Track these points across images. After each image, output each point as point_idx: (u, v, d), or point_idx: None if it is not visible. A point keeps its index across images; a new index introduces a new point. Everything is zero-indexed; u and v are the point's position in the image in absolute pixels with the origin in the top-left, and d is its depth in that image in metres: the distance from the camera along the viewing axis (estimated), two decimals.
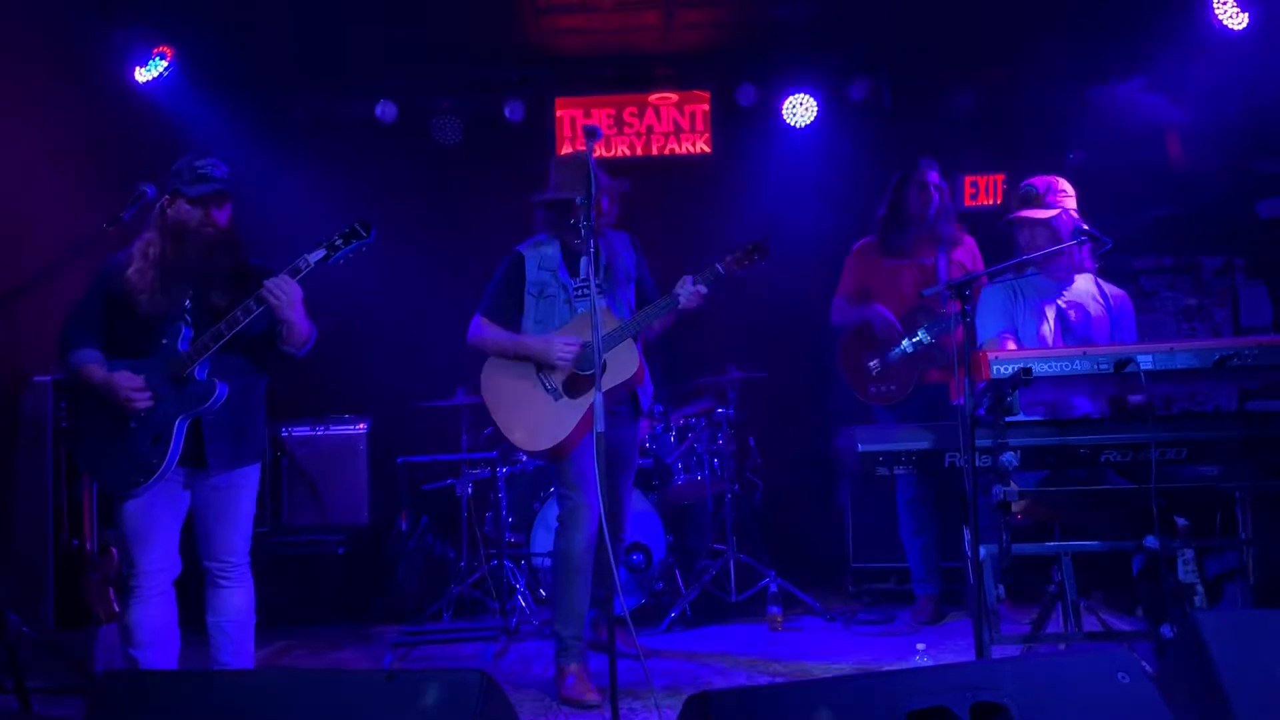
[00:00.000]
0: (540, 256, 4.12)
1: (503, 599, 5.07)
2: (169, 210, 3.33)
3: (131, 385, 3.20)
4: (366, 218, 3.33)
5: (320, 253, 3.30)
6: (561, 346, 3.92)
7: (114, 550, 4.38)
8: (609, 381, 3.85)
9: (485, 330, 4.07)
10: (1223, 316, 6.07)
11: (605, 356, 3.79)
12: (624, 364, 3.94)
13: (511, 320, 4.09)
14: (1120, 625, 4.15)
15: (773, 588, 4.97)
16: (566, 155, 4.09)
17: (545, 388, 3.98)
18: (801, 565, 5.51)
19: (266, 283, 3.22)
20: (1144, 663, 2.31)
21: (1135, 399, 3.70)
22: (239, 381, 3.38)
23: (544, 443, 3.93)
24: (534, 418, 3.95)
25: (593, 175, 3.35)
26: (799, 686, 1.95)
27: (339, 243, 3.32)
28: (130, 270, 3.28)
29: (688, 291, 3.91)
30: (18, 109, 4.53)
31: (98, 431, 3.28)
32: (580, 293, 4.06)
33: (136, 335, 3.30)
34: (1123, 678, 2.02)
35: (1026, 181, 3.90)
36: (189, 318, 3.32)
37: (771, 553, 5.36)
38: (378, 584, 5.55)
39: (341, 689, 1.88)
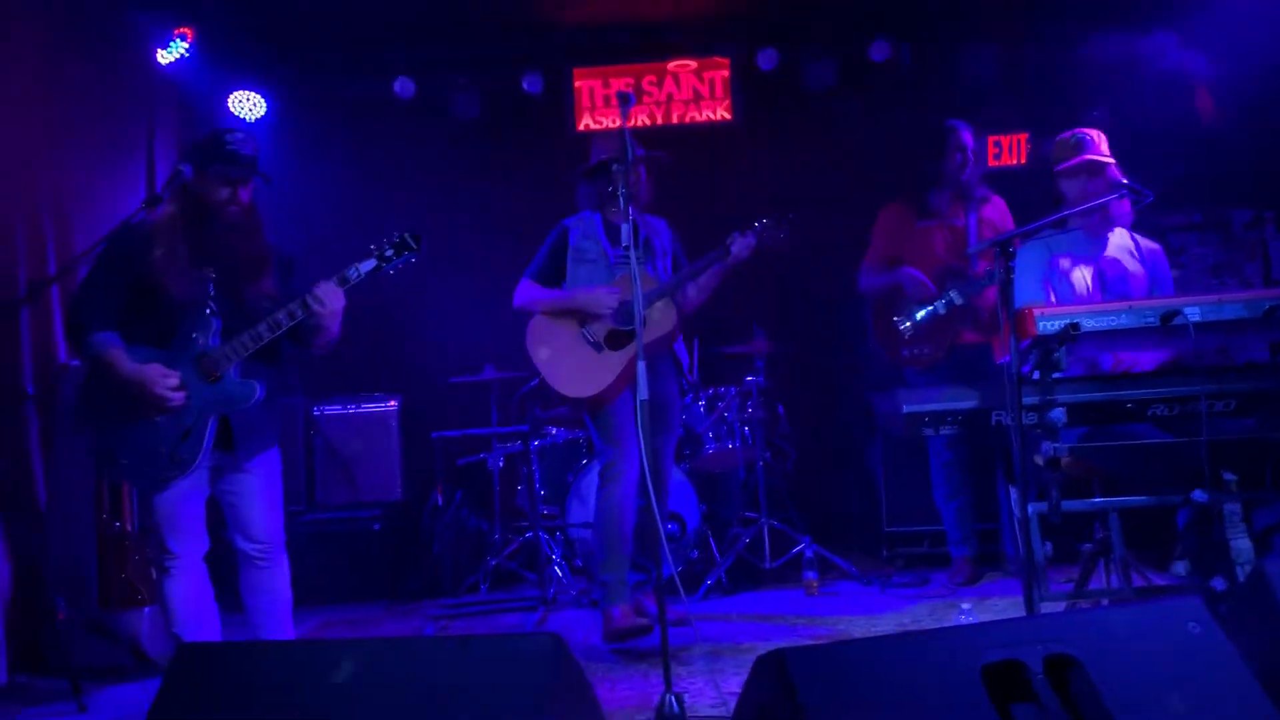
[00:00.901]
0: (584, 227, 4.33)
1: (540, 570, 5.09)
2: (194, 184, 3.20)
3: (168, 383, 3.09)
4: (427, 223, 3.37)
5: (371, 263, 3.27)
6: (606, 294, 4.14)
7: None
8: (648, 335, 3.92)
9: (532, 290, 4.30)
10: (1253, 270, 6.01)
11: (648, 311, 4.05)
12: (662, 319, 4.16)
13: (554, 285, 4.30)
14: (1158, 580, 4.14)
15: (808, 553, 4.98)
16: (605, 130, 4.32)
17: (588, 340, 4.17)
18: (834, 531, 5.52)
19: (317, 291, 3.16)
20: None
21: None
22: (263, 372, 3.30)
23: (586, 390, 4.11)
24: (577, 367, 4.15)
25: (628, 141, 3.35)
26: (870, 642, 1.95)
27: (389, 254, 3.29)
28: (158, 253, 3.13)
29: (740, 242, 4.10)
30: (42, 92, 4.51)
31: (116, 422, 3.14)
32: (621, 260, 4.23)
33: (159, 322, 3.18)
34: (1194, 627, 2.02)
35: (1073, 131, 3.85)
36: (213, 305, 3.21)
37: (804, 520, 5.37)
38: (413, 559, 5.58)
39: (417, 655, 1.89)
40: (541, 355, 4.22)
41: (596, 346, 4.17)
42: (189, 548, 3.29)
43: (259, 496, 3.36)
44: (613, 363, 4.13)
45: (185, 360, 3.17)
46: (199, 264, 3.18)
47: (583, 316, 4.20)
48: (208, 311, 3.21)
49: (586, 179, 4.37)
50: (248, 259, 3.25)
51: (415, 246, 3.31)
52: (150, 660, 4.05)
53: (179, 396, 3.11)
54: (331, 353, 3.59)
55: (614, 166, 3.59)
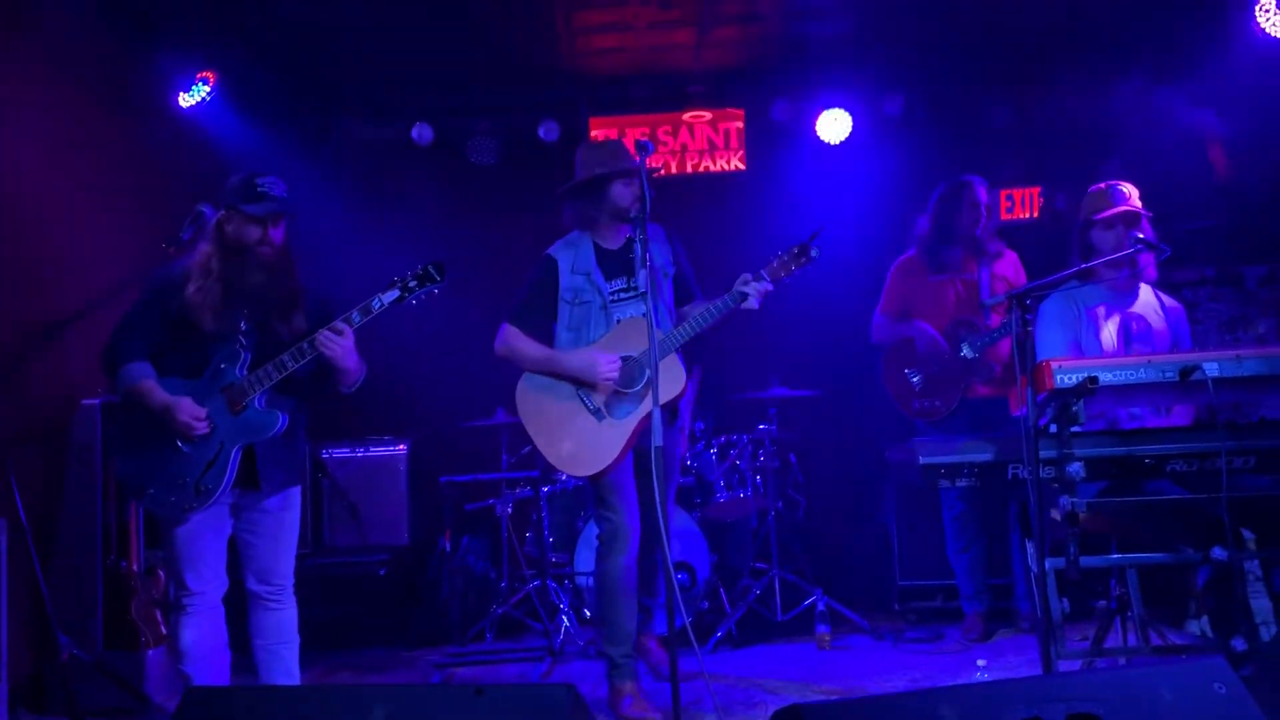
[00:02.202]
0: (573, 258, 3.89)
1: (546, 620, 5.03)
2: (227, 226, 3.27)
3: (195, 415, 3.16)
4: (440, 259, 3.30)
5: (394, 294, 3.27)
6: (606, 367, 3.71)
7: (160, 572, 4.38)
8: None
9: (515, 340, 3.86)
10: (1267, 326, 5.99)
11: (650, 373, 3.65)
12: (671, 379, 3.68)
13: (543, 328, 3.90)
14: (1175, 639, 4.07)
15: (820, 606, 4.92)
16: (595, 140, 3.97)
17: (587, 407, 3.78)
18: (846, 583, 5.45)
19: (320, 335, 3.19)
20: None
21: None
22: (288, 405, 3.35)
23: (590, 468, 3.75)
24: (577, 440, 3.77)
25: (645, 190, 3.32)
26: (888, 699, 1.91)
27: (413, 284, 3.28)
28: (191, 288, 3.20)
29: (756, 289, 3.67)
30: (63, 135, 4.57)
31: (145, 452, 3.22)
32: (616, 298, 3.86)
33: (191, 355, 3.25)
34: (1219, 688, 1.97)
35: (1109, 183, 3.86)
36: (244, 340, 3.27)
37: (815, 571, 5.32)
38: (419, 606, 5.52)
39: (431, 703, 1.85)
40: (536, 428, 3.82)
41: (597, 414, 3.77)
42: (209, 586, 3.30)
43: (276, 538, 3.39)
44: (618, 432, 3.72)
45: (213, 390, 3.23)
46: (232, 302, 3.24)
47: (575, 379, 3.80)
48: (238, 345, 3.27)
49: (573, 196, 3.93)
50: (279, 298, 3.29)
51: (439, 278, 3.30)
52: (153, 705, 4.00)
53: (204, 425, 3.17)
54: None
55: (631, 213, 3.39)
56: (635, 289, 3.77)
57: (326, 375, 3.35)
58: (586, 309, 3.84)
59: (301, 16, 5.18)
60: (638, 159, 3.38)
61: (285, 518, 3.41)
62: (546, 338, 3.91)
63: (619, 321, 3.84)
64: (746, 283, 3.70)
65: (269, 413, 3.27)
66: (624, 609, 3.84)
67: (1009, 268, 4.95)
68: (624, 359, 3.75)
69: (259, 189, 3.23)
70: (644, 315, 3.57)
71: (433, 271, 3.30)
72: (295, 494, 3.45)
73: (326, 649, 5.07)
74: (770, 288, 3.71)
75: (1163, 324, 3.84)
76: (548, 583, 5.13)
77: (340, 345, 3.20)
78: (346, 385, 3.40)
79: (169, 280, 3.28)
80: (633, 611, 3.88)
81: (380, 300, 3.26)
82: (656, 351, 3.20)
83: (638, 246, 3.28)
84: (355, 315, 3.24)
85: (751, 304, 3.69)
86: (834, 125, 6.28)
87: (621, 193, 3.82)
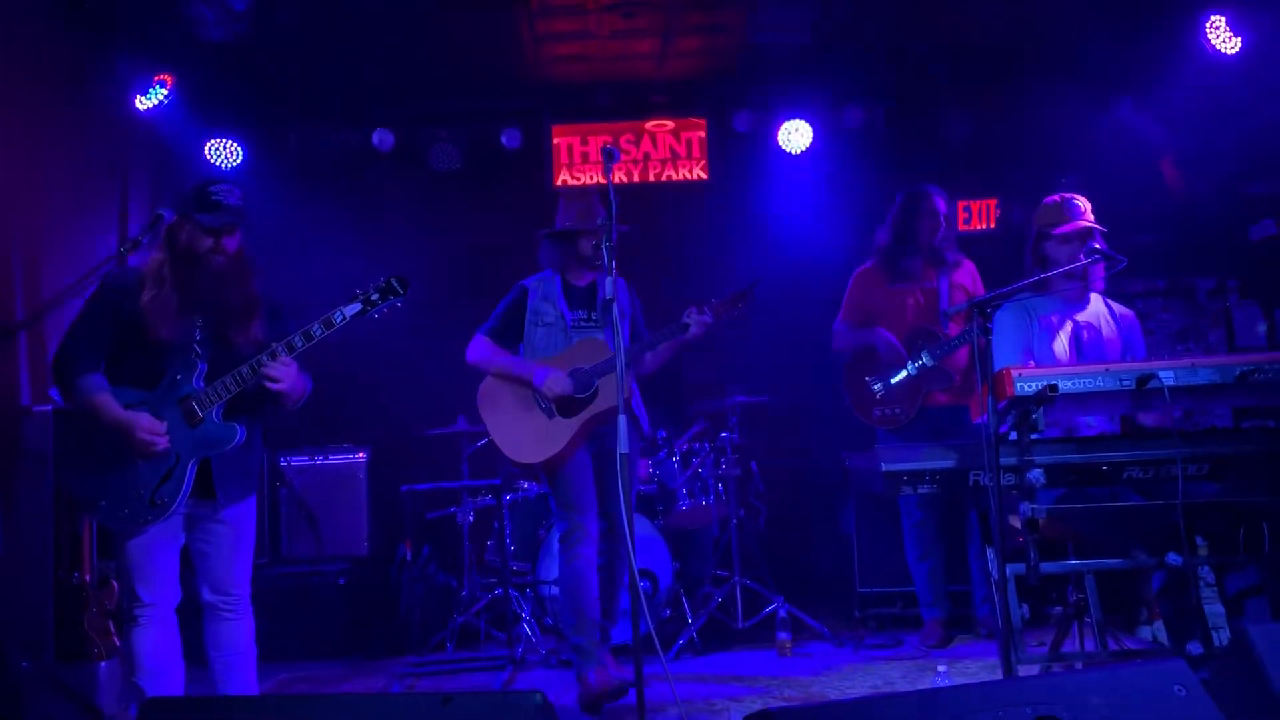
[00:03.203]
0: (543, 290, 4.35)
1: (509, 629, 5.00)
2: (180, 233, 3.22)
3: (154, 430, 3.11)
4: (403, 272, 3.31)
5: (356, 307, 3.26)
6: (551, 383, 4.12)
7: (114, 583, 4.29)
8: (603, 404, 4.08)
9: (486, 350, 4.29)
10: (1216, 338, 6.13)
11: (598, 382, 4.12)
12: (613, 389, 3.93)
13: (510, 345, 4.32)
14: (1131, 644, 4.14)
15: (781, 613, 4.94)
16: (574, 189, 4.37)
17: (540, 406, 4.19)
18: (806, 590, 5.48)
19: (262, 371, 3.16)
20: None
21: (1145, 419, 3.74)
22: (244, 420, 3.30)
23: (536, 455, 4.15)
24: (527, 431, 4.17)
25: (610, 194, 3.34)
26: (857, 705, 1.92)
27: (375, 298, 3.28)
28: (146, 296, 3.16)
29: (697, 320, 4.09)
30: (18, 137, 4.48)
31: (97, 465, 3.15)
32: (578, 325, 4.29)
33: (145, 364, 3.20)
34: (1179, 691, 2.01)
35: (1062, 195, 3.91)
36: (199, 349, 3.23)
37: (776, 578, 5.34)
38: (379, 616, 5.46)
39: (398, 713, 1.83)
40: (492, 419, 4.23)
41: (548, 412, 4.17)
42: (161, 596, 3.24)
43: (232, 549, 3.33)
44: (564, 428, 4.13)
45: (169, 402, 3.18)
46: (186, 310, 3.19)
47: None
48: (193, 355, 3.22)
49: (550, 240, 4.38)
50: (235, 307, 3.25)
51: (401, 291, 3.29)
52: (105, 717, 3.92)
53: (163, 441, 3.12)
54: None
55: (598, 221, 3.52)
56: (595, 321, 4.30)
57: (267, 395, 3.29)
58: (550, 330, 4.29)
59: (261, 20, 5.12)
60: (604, 172, 3.43)
61: (241, 528, 3.35)
62: (514, 351, 4.34)
63: (571, 342, 4.26)
64: (690, 314, 4.12)
65: (227, 426, 3.22)
66: (587, 602, 4.09)
67: (966, 277, 5.03)
68: (573, 370, 4.16)
69: (213, 197, 3.19)
70: (600, 337, 4.22)
71: (395, 285, 3.29)
72: (251, 503, 3.40)
73: (284, 660, 5.01)
74: (710, 320, 4.11)
75: (1113, 332, 3.91)
76: (509, 591, 5.10)
77: (281, 374, 3.17)
78: (289, 405, 3.34)
79: (121, 285, 3.23)
80: (595, 604, 4.12)
81: (342, 313, 3.24)
82: (623, 360, 3.24)
83: (606, 246, 3.34)
84: (316, 328, 3.21)
85: (693, 332, 4.11)
86: (795, 136, 6.33)
87: (586, 246, 4.30)
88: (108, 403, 3.13)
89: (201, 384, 3.20)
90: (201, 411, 3.17)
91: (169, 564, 3.26)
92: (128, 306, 3.18)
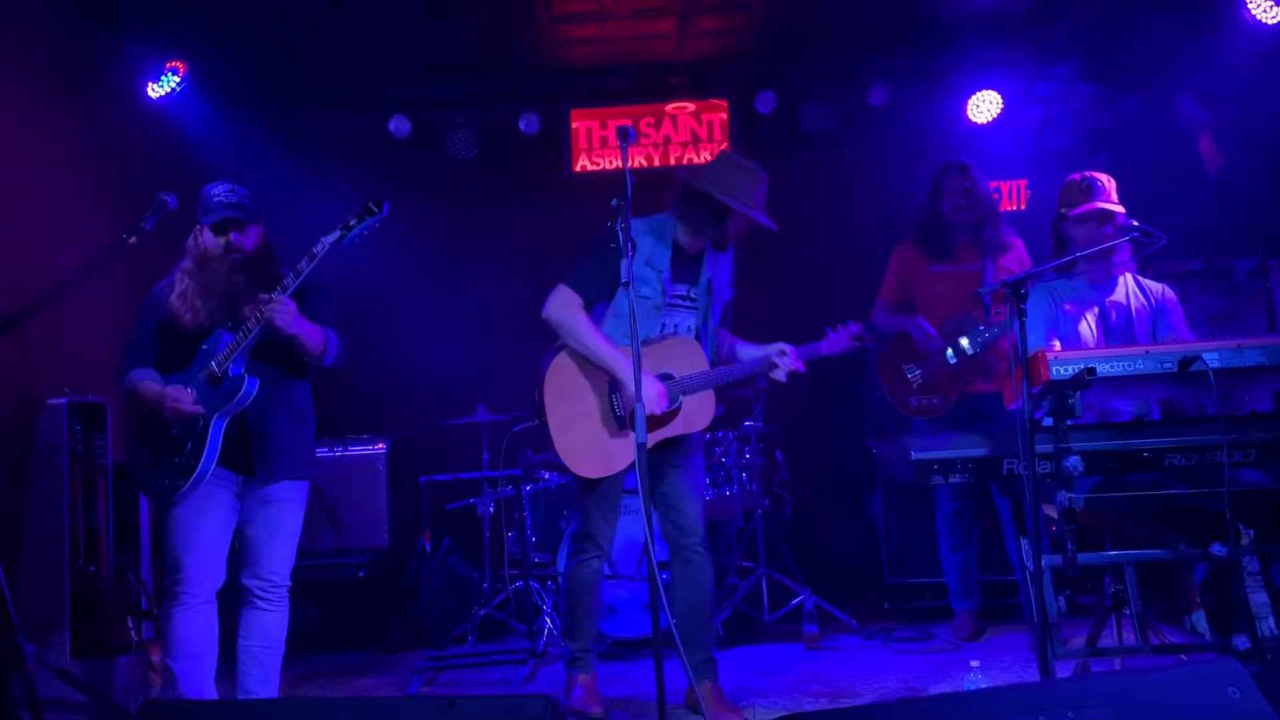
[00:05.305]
0: (650, 250, 3.71)
1: (529, 621, 4.92)
2: (197, 240, 3.41)
3: (178, 396, 3.24)
4: (379, 196, 3.35)
5: (335, 234, 3.32)
6: (656, 398, 3.56)
7: (131, 577, 4.26)
8: (684, 426, 3.70)
9: (576, 313, 3.64)
10: (1257, 320, 5.93)
11: (684, 399, 3.67)
12: (702, 410, 3.74)
13: (593, 302, 3.71)
14: (1173, 637, 4.00)
15: (808, 605, 4.83)
16: (739, 159, 3.81)
17: (615, 413, 3.66)
18: (833, 582, 5.35)
19: (248, 307, 3.28)
20: None
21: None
22: (279, 392, 3.42)
23: (593, 471, 3.67)
24: (594, 439, 3.65)
25: (627, 180, 3.18)
26: (889, 708, 1.82)
27: (352, 222, 3.33)
28: (173, 295, 3.36)
29: (787, 364, 3.75)
30: (29, 125, 4.43)
31: (146, 442, 3.34)
32: (673, 303, 3.76)
33: (182, 351, 3.36)
34: (1233, 693, 1.88)
35: (1084, 174, 3.77)
36: (226, 327, 3.36)
37: (803, 569, 5.22)
38: (399, 608, 5.39)
39: (400, 716, 1.75)
40: (558, 410, 3.63)
41: (620, 422, 3.64)
42: (203, 573, 3.30)
43: (272, 530, 3.39)
44: (630, 447, 3.48)
45: (197, 372, 3.32)
46: (212, 303, 3.35)
47: (616, 380, 3.65)
48: (221, 329, 3.35)
49: (697, 197, 3.67)
50: (252, 297, 3.33)
51: (377, 210, 3.33)
52: (121, 713, 3.87)
53: (188, 403, 3.25)
54: (319, 390, 3.64)
55: (613, 202, 3.23)
56: (692, 301, 3.80)
57: (291, 345, 3.36)
58: (642, 303, 3.63)
59: (274, 4, 5.04)
60: (621, 154, 3.20)
61: (285, 510, 3.41)
62: (591, 310, 3.72)
63: (664, 334, 3.75)
64: (783, 353, 3.77)
65: (238, 378, 3.28)
66: (588, 611, 3.87)
67: (1014, 260, 4.75)
68: (664, 376, 3.67)
69: (214, 199, 3.35)
70: (691, 334, 3.78)
71: (371, 206, 3.33)
72: (299, 488, 3.47)
73: (304, 654, 4.94)
74: (801, 370, 3.79)
75: (1142, 306, 3.75)
76: (530, 583, 5.01)
77: (271, 312, 3.21)
78: (309, 356, 3.41)
79: (156, 294, 3.45)
80: (597, 609, 3.94)
81: (323, 243, 3.29)
82: (637, 355, 3.04)
83: (620, 229, 3.13)
84: (303, 264, 3.27)
85: (777, 375, 3.79)
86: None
87: (733, 230, 3.77)
88: (146, 386, 3.34)
89: (224, 349, 3.31)
90: (219, 369, 3.26)
91: (211, 539, 3.31)
92: (162, 310, 3.40)
